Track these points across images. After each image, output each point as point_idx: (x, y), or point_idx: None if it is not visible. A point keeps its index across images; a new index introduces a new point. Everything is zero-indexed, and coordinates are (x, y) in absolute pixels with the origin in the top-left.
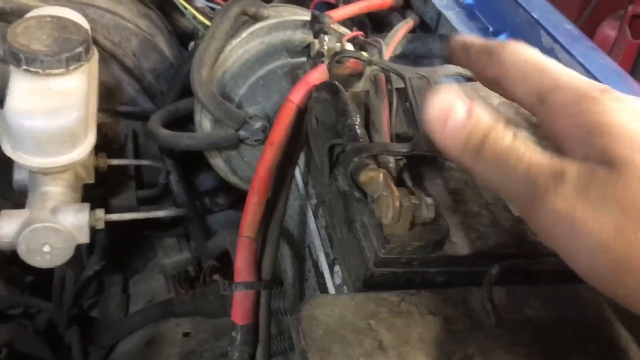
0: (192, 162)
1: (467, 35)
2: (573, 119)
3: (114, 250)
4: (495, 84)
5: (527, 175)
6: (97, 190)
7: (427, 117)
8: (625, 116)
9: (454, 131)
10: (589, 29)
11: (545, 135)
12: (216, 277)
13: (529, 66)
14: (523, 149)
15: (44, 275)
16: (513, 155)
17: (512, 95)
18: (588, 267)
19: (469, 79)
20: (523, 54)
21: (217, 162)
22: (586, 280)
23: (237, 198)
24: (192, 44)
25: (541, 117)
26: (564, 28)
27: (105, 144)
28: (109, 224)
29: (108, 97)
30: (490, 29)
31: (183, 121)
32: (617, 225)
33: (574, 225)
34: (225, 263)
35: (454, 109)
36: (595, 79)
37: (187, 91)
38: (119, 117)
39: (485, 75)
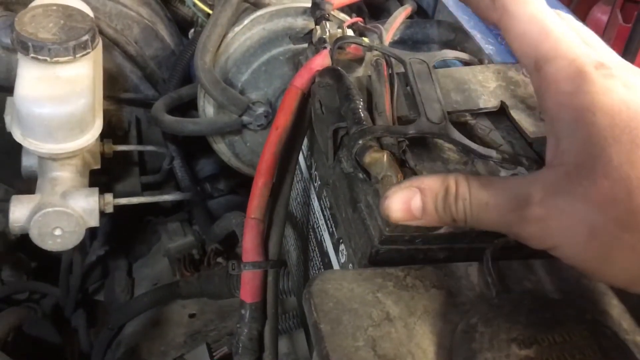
0: (192, 149)
1: None
2: (564, 98)
3: (117, 236)
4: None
5: (499, 218)
6: (101, 176)
7: (395, 218)
8: (613, 98)
9: (424, 213)
10: (581, 13)
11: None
12: (220, 259)
13: (532, 24)
14: (484, 195)
15: (49, 261)
16: (481, 207)
17: (512, 48)
18: (576, 263)
19: (465, 63)
20: (529, 6)
21: (221, 147)
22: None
23: (237, 183)
24: (192, 31)
25: (536, 86)
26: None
27: (109, 131)
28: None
29: (111, 84)
30: None
31: (185, 107)
32: (590, 226)
33: (554, 240)
34: (228, 246)
35: (409, 195)
36: None
37: (188, 78)
38: (122, 104)
39: (488, 19)
